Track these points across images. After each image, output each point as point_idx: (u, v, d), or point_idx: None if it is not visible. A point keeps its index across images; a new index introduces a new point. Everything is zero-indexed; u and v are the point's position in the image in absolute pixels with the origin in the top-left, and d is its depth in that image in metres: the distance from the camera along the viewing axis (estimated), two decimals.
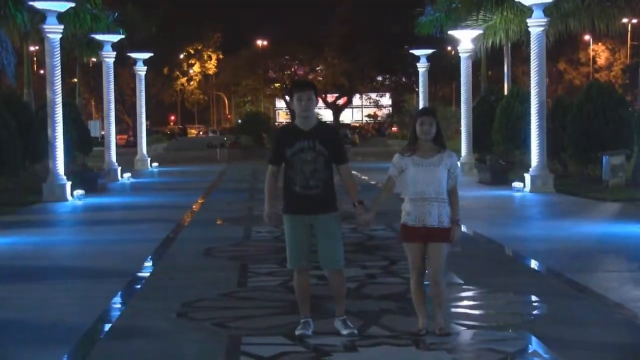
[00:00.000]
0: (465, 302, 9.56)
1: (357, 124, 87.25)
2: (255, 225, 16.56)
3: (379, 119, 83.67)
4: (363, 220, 7.91)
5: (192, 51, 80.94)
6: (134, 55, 36.87)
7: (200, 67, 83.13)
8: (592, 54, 74.05)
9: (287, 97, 8.04)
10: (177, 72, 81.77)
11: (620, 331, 8.24)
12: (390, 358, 7.37)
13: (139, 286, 10.91)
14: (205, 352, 7.67)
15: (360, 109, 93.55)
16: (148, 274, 11.74)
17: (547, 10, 22.81)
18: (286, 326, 8.36)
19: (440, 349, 7.50)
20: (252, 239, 15.04)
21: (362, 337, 7.93)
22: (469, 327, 8.41)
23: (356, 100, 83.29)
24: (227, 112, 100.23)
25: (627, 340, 7.92)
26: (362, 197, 7.96)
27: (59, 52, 22.46)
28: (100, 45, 31.63)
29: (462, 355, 7.49)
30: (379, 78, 75.28)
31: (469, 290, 10.16)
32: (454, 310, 9.06)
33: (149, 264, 12.57)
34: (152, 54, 37.45)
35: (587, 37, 65.92)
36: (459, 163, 32.80)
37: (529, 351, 7.60)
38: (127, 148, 53.22)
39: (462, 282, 10.56)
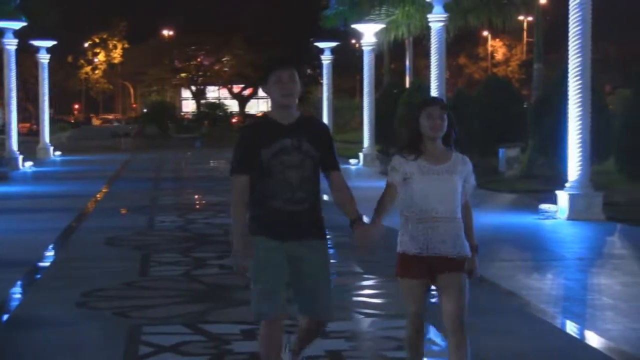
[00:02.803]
0: (365, 291, 9.62)
1: (261, 114, 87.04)
2: (159, 214, 16.40)
3: None
4: (366, 240, 5.61)
5: (97, 40, 79.70)
6: (37, 43, 36.09)
7: (106, 56, 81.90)
8: (490, 49, 75.31)
9: (261, 80, 5.72)
10: (82, 61, 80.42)
11: (512, 318, 8.38)
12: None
13: (39, 276, 10.68)
14: (105, 342, 7.53)
15: (266, 99, 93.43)
16: (48, 264, 11.50)
17: (447, 6, 23.05)
18: (187, 315, 8.28)
19: (339, 337, 7.51)
20: (155, 229, 14.88)
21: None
22: (368, 315, 8.47)
23: (261, 91, 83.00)
24: (133, 102, 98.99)
25: (518, 327, 8.05)
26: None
27: None
28: (1, 32, 30.87)
29: (360, 343, 7.53)
30: None
31: (368, 279, 10.22)
32: (354, 299, 9.10)
33: (49, 253, 12.30)
34: (55, 42, 36.72)
35: (485, 33, 67.01)
36: (361, 154, 33.02)
37: (426, 339, 7.66)
38: (30, 136, 52.05)
39: (362, 271, 10.62)
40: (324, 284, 5.65)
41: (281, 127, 5.57)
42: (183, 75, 74.80)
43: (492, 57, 75.97)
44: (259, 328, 7.78)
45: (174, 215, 16.43)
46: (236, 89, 77.44)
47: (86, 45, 79.86)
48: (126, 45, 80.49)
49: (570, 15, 15.17)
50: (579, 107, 15.15)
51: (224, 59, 73.68)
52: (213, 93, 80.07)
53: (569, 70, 15.31)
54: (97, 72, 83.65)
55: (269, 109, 5.78)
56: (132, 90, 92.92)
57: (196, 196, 20.88)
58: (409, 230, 5.71)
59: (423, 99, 6.27)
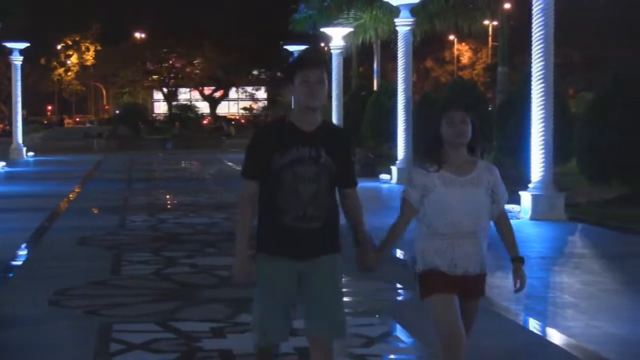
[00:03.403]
0: None
1: (233, 117, 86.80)
2: (130, 214, 16.34)
3: (254, 111, 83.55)
4: (367, 265, 5.05)
5: (70, 42, 79.24)
6: (9, 45, 35.86)
7: (78, 58, 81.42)
8: (456, 53, 75.61)
9: (284, 80, 5.07)
10: (55, 63, 79.90)
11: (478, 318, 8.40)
12: None
13: (11, 275, 10.60)
14: (76, 340, 7.49)
15: (237, 101, 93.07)
16: (20, 263, 11.40)
17: (413, 10, 23.17)
18: (158, 313, 8.25)
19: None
20: (127, 228, 14.81)
21: (231, 323, 7.88)
22: None
23: (232, 93, 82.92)
24: (105, 103, 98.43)
25: (483, 325, 8.05)
26: None
27: None
28: None
29: None
30: (255, 72, 75.32)
31: None
32: None
33: (22, 252, 12.20)
34: (28, 44, 36.49)
35: (452, 37, 67.27)
36: None
37: (392, 335, 7.70)
38: (3, 137, 51.70)
39: None
40: (335, 298, 5.01)
41: (301, 133, 4.87)
42: (155, 77, 74.51)
43: (458, 60, 76.28)
44: (229, 325, 7.82)
45: (145, 214, 16.37)
46: (207, 91, 77.26)
47: (59, 47, 79.38)
48: (99, 48, 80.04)
49: (533, 20, 15.27)
50: (542, 110, 15.25)
51: (195, 62, 73.47)
52: (185, 95, 79.80)
53: (533, 73, 15.42)
54: (69, 73, 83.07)
55: (292, 110, 5.04)
56: (104, 92, 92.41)
57: (167, 196, 20.82)
58: (433, 246, 5.04)
59: (443, 102, 5.85)
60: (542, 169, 15.31)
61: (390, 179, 23.12)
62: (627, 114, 17.65)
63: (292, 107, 5.01)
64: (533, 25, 15.27)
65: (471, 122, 5.03)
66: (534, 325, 8.05)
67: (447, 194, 5.00)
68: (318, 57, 5.08)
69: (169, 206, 19.04)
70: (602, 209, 16.50)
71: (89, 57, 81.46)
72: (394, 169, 23.23)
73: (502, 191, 5.17)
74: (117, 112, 69.91)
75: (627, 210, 16.11)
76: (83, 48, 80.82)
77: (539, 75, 15.28)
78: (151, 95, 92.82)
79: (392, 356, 7.13)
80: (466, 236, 5.03)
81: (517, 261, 5.26)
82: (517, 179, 17.25)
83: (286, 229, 4.87)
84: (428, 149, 5.12)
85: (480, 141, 5.14)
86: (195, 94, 79.11)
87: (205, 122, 68.96)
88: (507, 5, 29.40)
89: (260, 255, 5.00)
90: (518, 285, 5.24)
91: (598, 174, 18.25)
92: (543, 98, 15.24)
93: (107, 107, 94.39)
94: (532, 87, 15.39)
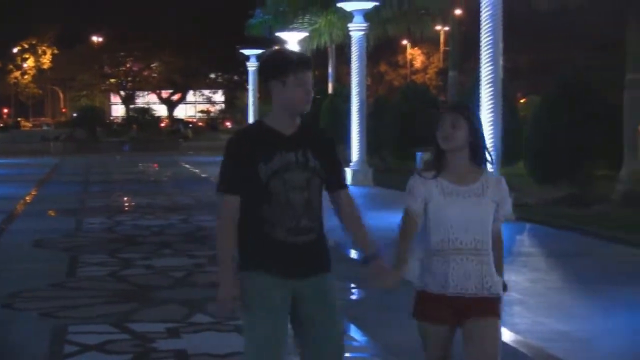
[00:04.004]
0: None
1: (191, 119, 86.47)
2: (87, 216, 16.21)
3: (211, 114, 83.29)
4: (387, 285, 4.45)
5: (26, 46, 78.39)
6: None
7: (35, 61, 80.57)
8: (409, 57, 75.97)
9: (270, 77, 4.40)
10: (11, 66, 78.98)
11: None
12: (212, 343, 7.26)
13: None
14: (31, 341, 7.40)
15: (194, 104, 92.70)
16: None
17: (367, 16, 23.22)
18: (114, 315, 8.18)
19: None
20: (83, 230, 14.68)
21: (186, 324, 7.84)
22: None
23: (190, 96, 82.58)
24: (62, 106, 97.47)
25: None
26: None
27: None
28: None
29: None
30: (212, 75, 75.12)
31: None
32: None
33: None
34: None
35: (405, 42, 67.57)
36: None
37: (346, 334, 7.68)
38: None
39: None
40: (334, 328, 4.42)
41: (282, 137, 4.31)
42: (112, 80, 73.95)
43: (411, 64, 76.65)
44: (184, 326, 7.77)
45: (102, 217, 16.23)
46: (165, 94, 76.86)
47: (15, 50, 78.49)
48: (55, 51, 79.30)
49: (482, 26, 15.39)
50: (491, 113, 15.36)
51: (153, 65, 73.07)
52: (142, 98, 79.32)
53: (482, 78, 15.53)
54: (26, 77, 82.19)
55: (267, 114, 4.45)
56: (61, 95, 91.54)
57: (124, 198, 20.66)
58: (428, 264, 4.47)
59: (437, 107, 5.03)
60: (491, 170, 15.40)
61: None
62: (574, 116, 17.87)
63: (273, 108, 4.40)
64: (482, 30, 15.38)
65: (469, 125, 4.43)
66: None
67: (446, 206, 4.40)
68: (310, 60, 4.49)
69: (126, 208, 18.89)
70: (550, 209, 16.67)
71: (46, 60, 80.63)
72: (348, 170, 23.25)
73: (507, 208, 4.59)
74: (75, 115, 69.25)
75: (574, 210, 16.29)
76: (40, 52, 79.98)
77: (488, 80, 15.40)
78: (109, 98, 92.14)
79: (347, 354, 7.12)
80: (465, 252, 4.39)
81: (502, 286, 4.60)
82: None
83: (277, 244, 4.24)
84: (431, 156, 4.57)
85: (484, 146, 4.52)
86: (153, 97, 78.65)
87: (162, 124, 68.57)
88: (458, 11, 29.58)
89: (245, 273, 4.29)
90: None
91: (545, 175, 18.45)
92: (492, 101, 15.36)
93: (64, 110, 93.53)
94: (482, 90, 15.51)
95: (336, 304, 4.46)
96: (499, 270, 4.56)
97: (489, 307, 4.44)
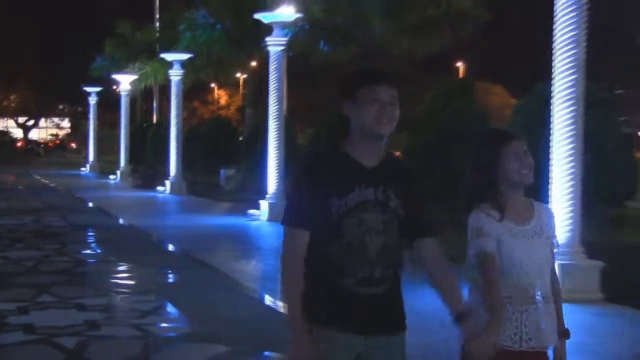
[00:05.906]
0: (119, 275, 9.31)
1: (42, 140, 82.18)
2: None
3: (59, 136, 79.91)
4: (483, 353, 2.82)
5: None
6: None
7: None
8: (217, 96, 75.71)
9: (341, 95, 2.84)
10: None
11: (227, 294, 8.41)
12: (55, 318, 6.89)
13: None
14: None
15: (46, 128, 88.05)
16: None
17: (183, 64, 23.03)
18: None
19: (94, 310, 7.21)
20: None
21: (34, 303, 7.43)
22: (120, 293, 8.20)
23: (42, 122, 78.63)
24: None
25: (231, 300, 8.12)
26: None
27: None
28: None
29: (113, 314, 7.27)
30: (61, 106, 72.34)
31: (121, 265, 9.90)
32: (112, 280, 8.78)
33: None
34: None
35: (213, 85, 67.32)
36: (118, 172, 32.21)
37: (162, 309, 7.56)
38: None
39: (116, 259, 10.28)
40: None
41: (362, 169, 2.82)
42: None
43: (218, 102, 76.42)
44: (32, 305, 7.35)
45: None
46: (21, 120, 72.68)
47: None
48: None
49: (270, 75, 15.59)
50: (276, 140, 15.55)
51: (11, 97, 69.00)
52: (2, 123, 74.68)
53: (270, 114, 15.69)
54: None
55: (349, 140, 2.86)
56: None
57: None
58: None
59: (495, 131, 3.23)
60: (276, 184, 15.61)
61: (165, 190, 22.65)
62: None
63: (352, 132, 2.86)
64: (270, 78, 15.58)
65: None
66: (268, 299, 8.12)
67: (515, 249, 2.95)
68: (387, 73, 2.88)
69: None
70: None
71: None
72: (168, 182, 22.79)
73: (555, 240, 3.09)
74: None
75: None
76: None
77: (274, 115, 15.60)
78: None
79: (163, 325, 7.00)
80: (539, 301, 2.98)
81: (563, 335, 3.10)
82: (258, 191, 17.49)
83: (345, 295, 2.77)
84: (481, 191, 3.00)
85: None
86: (11, 122, 74.24)
87: (18, 144, 64.70)
88: (253, 63, 29.78)
89: (315, 330, 2.78)
90: None
91: None
92: (277, 132, 15.57)
93: None
94: (269, 123, 15.68)
95: None
96: (560, 316, 3.09)
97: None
